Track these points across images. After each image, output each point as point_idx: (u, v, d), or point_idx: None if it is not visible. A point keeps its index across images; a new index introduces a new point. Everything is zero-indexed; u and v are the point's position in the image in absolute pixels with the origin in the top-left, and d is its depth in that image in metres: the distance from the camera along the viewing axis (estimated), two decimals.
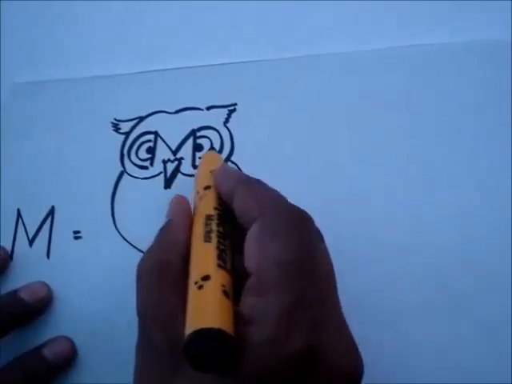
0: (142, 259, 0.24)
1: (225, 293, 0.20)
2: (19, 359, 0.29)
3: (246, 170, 0.33)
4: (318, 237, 0.23)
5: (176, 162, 0.34)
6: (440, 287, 0.29)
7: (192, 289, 0.21)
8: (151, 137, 0.35)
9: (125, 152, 0.35)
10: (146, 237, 0.32)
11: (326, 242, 0.30)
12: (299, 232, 0.22)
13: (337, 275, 0.30)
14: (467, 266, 0.29)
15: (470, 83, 0.33)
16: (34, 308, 0.31)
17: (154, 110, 0.36)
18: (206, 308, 0.20)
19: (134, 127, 0.36)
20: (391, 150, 0.32)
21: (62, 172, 0.35)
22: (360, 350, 0.28)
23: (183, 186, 0.33)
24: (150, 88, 0.36)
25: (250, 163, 0.33)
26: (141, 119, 0.36)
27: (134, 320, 0.31)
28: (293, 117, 0.34)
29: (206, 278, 0.21)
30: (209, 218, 0.24)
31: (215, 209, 0.25)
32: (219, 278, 0.21)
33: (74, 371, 0.31)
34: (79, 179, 0.35)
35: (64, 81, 0.38)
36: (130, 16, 0.39)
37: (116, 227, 0.33)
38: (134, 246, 0.32)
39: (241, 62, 0.36)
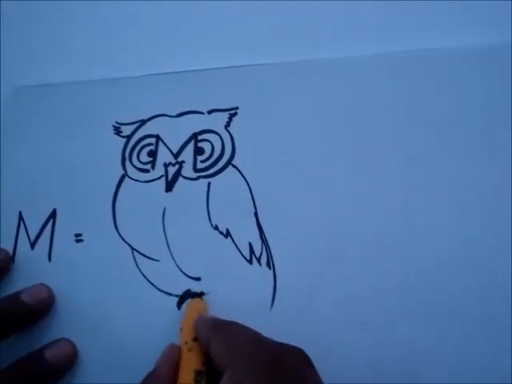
0: None
1: None
2: (21, 361, 0.30)
3: (247, 174, 0.33)
4: (294, 374, 0.23)
5: (177, 166, 0.34)
6: (440, 287, 0.29)
7: None
8: (152, 140, 0.35)
9: (126, 155, 0.35)
10: (147, 240, 0.33)
11: (326, 244, 0.31)
12: (269, 377, 0.22)
13: (338, 277, 0.30)
14: (467, 266, 0.29)
15: (470, 87, 0.33)
16: (35, 310, 0.31)
17: (155, 114, 0.36)
18: None
19: (135, 130, 0.36)
20: (392, 153, 0.32)
21: (64, 175, 0.35)
22: (360, 350, 0.28)
23: (184, 189, 0.33)
24: (152, 91, 0.36)
25: (251, 167, 0.33)
26: (142, 122, 0.36)
27: (136, 323, 0.31)
28: (294, 120, 0.34)
29: None
30: (199, 373, 0.26)
31: (203, 364, 0.27)
32: None
33: (76, 373, 0.31)
34: (81, 182, 0.35)
35: (66, 84, 0.38)
36: (131, 19, 0.39)
37: (117, 230, 0.33)
38: (135, 249, 0.33)
39: (242, 66, 0.36)
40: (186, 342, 0.28)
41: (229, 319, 0.29)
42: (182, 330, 0.29)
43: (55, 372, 0.30)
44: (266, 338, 0.25)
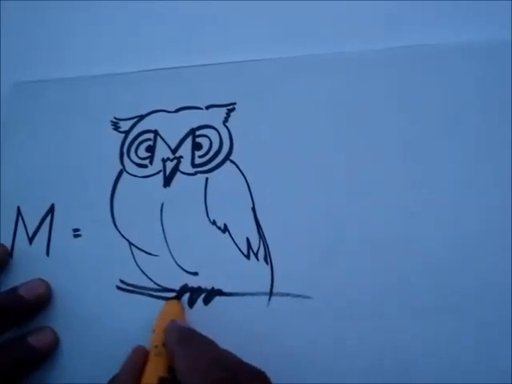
0: None
1: None
2: (5, 346, 0.30)
3: (244, 169, 0.33)
4: None
5: (175, 161, 0.34)
6: (440, 287, 0.29)
7: None
8: (151, 135, 0.35)
9: (124, 150, 0.35)
10: (144, 235, 0.33)
11: (324, 239, 0.31)
12: None
13: (336, 272, 0.30)
14: (467, 266, 0.29)
15: (469, 84, 0.33)
16: (33, 305, 0.31)
17: (153, 109, 0.36)
18: None
19: (133, 126, 0.36)
20: (391, 149, 0.32)
21: (62, 170, 0.35)
22: (358, 348, 0.28)
23: (182, 184, 0.33)
24: (150, 87, 0.36)
25: (249, 162, 0.33)
26: (140, 118, 0.36)
27: (134, 317, 0.31)
28: (292, 116, 0.34)
29: None
30: (162, 381, 0.25)
31: (169, 371, 0.26)
32: None
33: (71, 367, 0.31)
34: (79, 177, 0.35)
35: (64, 80, 0.38)
36: (129, 15, 0.39)
37: (115, 225, 0.33)
38: (133, 244, 0.33)
39: (240, 62, 0.36)
40: (156, 346, 0.27)
41: (226, 315, 0.30)
42: (154, 331, 0.28)
43: (38, 357, 0.30)
44: (227, 354, 0.25)
